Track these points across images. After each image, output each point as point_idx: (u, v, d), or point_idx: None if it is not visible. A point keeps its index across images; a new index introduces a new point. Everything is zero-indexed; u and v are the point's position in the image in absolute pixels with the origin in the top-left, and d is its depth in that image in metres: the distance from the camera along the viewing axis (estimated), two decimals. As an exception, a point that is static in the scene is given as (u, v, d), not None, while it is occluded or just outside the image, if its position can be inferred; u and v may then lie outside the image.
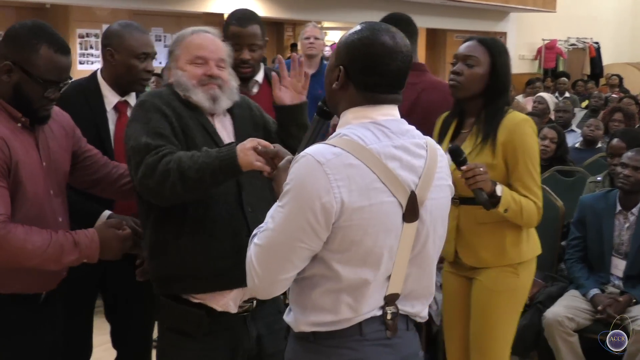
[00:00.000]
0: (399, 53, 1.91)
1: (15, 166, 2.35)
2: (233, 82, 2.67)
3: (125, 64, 3.01)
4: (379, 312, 1.93)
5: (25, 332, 2.49)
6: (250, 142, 2.27)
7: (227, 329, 2.54)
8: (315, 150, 1.85)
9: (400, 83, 1.97)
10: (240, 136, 2.56)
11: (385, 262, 1.89)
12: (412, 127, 2.01)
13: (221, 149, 2.35)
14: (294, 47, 14.92)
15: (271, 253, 1.87)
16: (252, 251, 1.90)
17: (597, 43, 17.27)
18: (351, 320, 1.90)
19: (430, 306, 3.71)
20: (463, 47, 3.02)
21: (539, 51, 17.12)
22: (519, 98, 11.10)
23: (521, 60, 16.95)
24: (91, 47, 11.66)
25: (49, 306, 2.59)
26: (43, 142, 2.52)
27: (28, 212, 2.40)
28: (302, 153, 1.88)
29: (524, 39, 16.91)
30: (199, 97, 2.53)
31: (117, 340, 3.31)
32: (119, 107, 3.10)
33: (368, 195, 1.83)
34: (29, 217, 2.39)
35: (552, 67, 16.63)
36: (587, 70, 17.01)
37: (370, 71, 1.92)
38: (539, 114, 7.36)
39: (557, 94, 11.74)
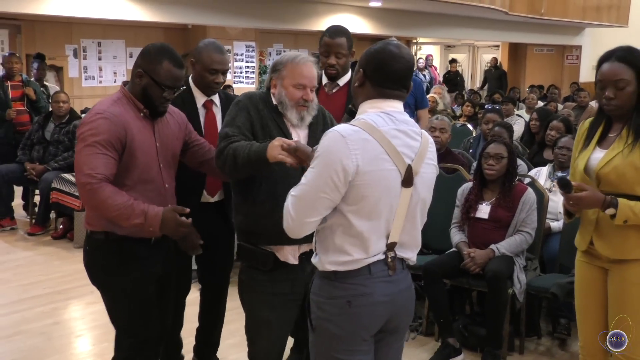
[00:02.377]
0: (402, 58, 2.35)
1: (131, 143, 2.85)
2: (316, 99, 3.03)
3: (200, 74, 3.46)
4: (382, 256, 2.31)
5: (139, 263, 2.94)
6: (277, 141, 2.69)
7: (287, 266, 2.95)
8: (340, 127, 2.27)
9: (403, 82, 2.36)
10: (312, 140, 2.93)
11: (386, 215, 2.28)
12: (412, 120, 2.41)
13: (260, 144, 2.78)
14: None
15: (302, 201, 2.26)
16: (288, 201, 2.29)
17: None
18: (362, 262, 2.28)
19: (514, 285, 4.07)
20: (608, 71, 2.80)
21: (610, 61, 17.09)
22: (592, 103, 11.46)
23: (594, 69, 16.94)
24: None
25: (159, 246, 3.01)
26: (159, 129, 3.02)
27: (140, 175, 2.90)
28: (329, 130, 2.32)
29: (597, 51, 16.59)
30: (293, 115, 2.94)
31: (203, 277, 3.82)
32: (206, 105, 3.58)
33: (377, 162, 2.23)
34: (141, 179, 2.90)
35: (623, 76, 16.79)
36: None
37: (380, 70, 2.34)
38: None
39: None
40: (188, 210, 2.87)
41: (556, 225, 4.58)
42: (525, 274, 4.13)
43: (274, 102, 2.98)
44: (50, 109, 7.16)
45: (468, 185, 4.41)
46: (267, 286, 2.96)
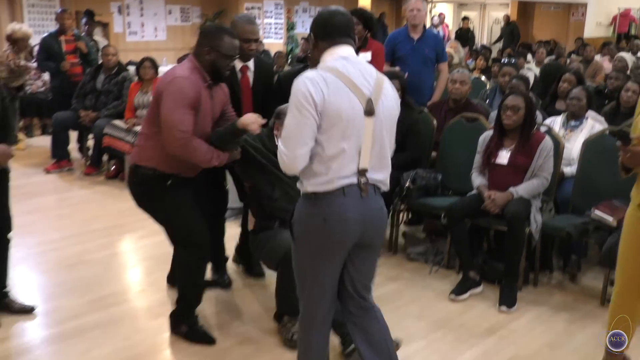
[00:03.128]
0: (338, 13, 2.57)
1: (199, 105, 3.18)
2: None
3: None
4: (355, 181, 2.43)
5: (179, 190, 3.30)
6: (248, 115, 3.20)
7: None
8: (304, 74, 2.43)
9: (347, 32, 2.54)
10: None
11: (355, 141, 2.40)
12: (365, 62, 2.60)
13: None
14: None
15: (289, 137, 2.40)
16: (280, 147, 2.45)
17: (666, 11, 16.72)
18: (336, 183, 2.41)
19: (531, 225, 3.99)
20: None
21: (614, 18, 16.44)
22: (597, 57, 11.23)
23: (598, 26, 16.48)
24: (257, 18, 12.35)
25: (192, 180, 3.39)
26: (213, 97, 3.34)
27: (198, 130, 3.19)
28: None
29: (602, 9, 16.27)
30: None
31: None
32: (242, 69, 3.90)
33: (340, 94, 2.37)
34: (197, 133, 3.17)
35: (625, 32, 16.21)
36: (656, 33, 16.53)
37: (325, 27, 2.54)
38: (622, 71, 7.42)
39: (630, 53, 11.56)
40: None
41: (569, 170, 4.51)
42: (541, 215, 4.09)
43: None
44: (100, 61, 7.12)
45: (489, 133, 4.34)
46: None
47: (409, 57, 5.76)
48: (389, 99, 2.52)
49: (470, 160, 4.49)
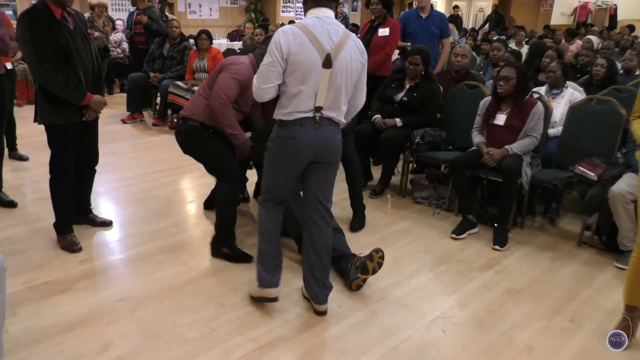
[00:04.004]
0: None
1: (246, 87, 3.00)
2: None
3: None
4: (311, 115, 2.37)
5: (220, 139, 3.11)
6: None
7: None
8: (283, 27, 2.37)
9: None
10: None
11: (313, 85, 2.32)
12: (339, 23, 2.41)
13: None
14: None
15: (261, 73, 2.37)
16: (254, 81, 2.40)
17: (615, 5, 15.72)
18: (295, 115, 2.36)
19: (522, 177, 3.48)
20: None
21: (575, 9, 15.57)
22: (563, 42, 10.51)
23: (561, 15, 15.68)
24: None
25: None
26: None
27: (238, 104, 3.07)
28: None
29: (565, 1, 15.48)
30: None
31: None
32: None
33: (303, 47, 2.30)
34: (241, 110, 3.07)
35: (583, 21, 15.36)
36: (607, 23, 15.52)
37: None
38: (590, 50, 6.87)
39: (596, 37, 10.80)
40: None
41: (552, 131, 4.01)
42: (530, 169, 3.65)
43: None
44: (166, 33, 6.64)
45: (488, 98, 3.86)
46: None
47: (417, 32, 5.24)
48: (349, 56, 2.38)
49: (470, 122, 4.04)
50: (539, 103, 3.68)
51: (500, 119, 3.72)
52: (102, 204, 3.92)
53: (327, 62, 2.31)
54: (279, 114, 2.42)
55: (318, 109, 2.37)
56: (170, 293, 2.76)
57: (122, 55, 8.18)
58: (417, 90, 4.21)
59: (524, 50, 7.42)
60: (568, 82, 4.33)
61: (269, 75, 2.34)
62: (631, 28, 13.07)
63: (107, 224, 3.52)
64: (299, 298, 2.76)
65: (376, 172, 4.87)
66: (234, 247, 3.17)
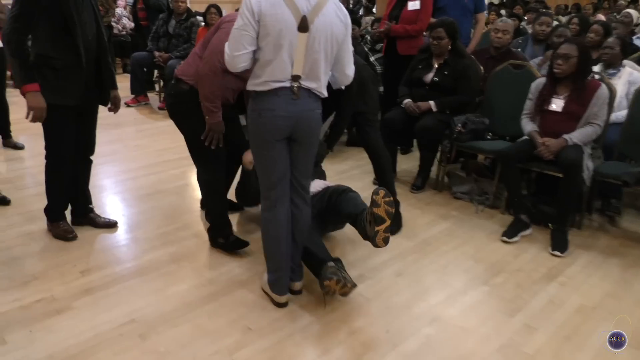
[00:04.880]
0: None
1: None
2: None
3: None
4: (288, 84, 2.15)
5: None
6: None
7: None
8: None
9: None
10: None
11: (288, 51, 2.12)
12: None
13: None
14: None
15: (231, 41, 2.16)
16: (225, 47, 2.20)
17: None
18: (271, 85, 2.15)
19: (583, 171, 3.01)
20: None
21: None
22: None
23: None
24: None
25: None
26: None
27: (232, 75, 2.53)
28: None
29: None
30: None
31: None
32: None
33: (275, 8, 2.09)
34: (231, 77, 2.54)
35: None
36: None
37: None
38: (627, 24, 6.37)
39: (615, 14, 10.24)
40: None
41: (614, 116, 3.57)
42: (591, 162, 3.21)
43: None
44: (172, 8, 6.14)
45: (541, 80, 3.39)
46: None
47: (448, 7, 4.73)
48: (328, 20, 2.16)
49: (516, 107, 3.59)
50: (603, 85, 3.21)
51: (557, 104, 3.26)
52: (105, 200, 3.50)
53: (303, 26, 2.11)
54: (252, 85, 2.22)
55: (295, 78, 2.17)
56: (187, 314, 2.35)
57: (123, 32, 7.69)
58: (448, 68, 3.74)
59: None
60: (625, 61, 3.86)
61: (241, 41, 2.13)
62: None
63: (111, 225, 3.12)
64: (336, 326, 2.36)
65: (403, 161, 4.46)
66: (229, 235, 2.90)
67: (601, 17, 9.09)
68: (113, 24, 7.45)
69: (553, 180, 3.28)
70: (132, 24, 7.74)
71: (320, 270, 2.42)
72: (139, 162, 4.25)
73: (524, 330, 2.34)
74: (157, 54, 5.86)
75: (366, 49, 5.03)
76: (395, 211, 3.28)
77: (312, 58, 2.16)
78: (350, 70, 2.36)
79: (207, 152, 2.71)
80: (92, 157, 3.05)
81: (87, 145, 2.98)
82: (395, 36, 4.38)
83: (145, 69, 6.19)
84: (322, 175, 3.23)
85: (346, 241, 3.06)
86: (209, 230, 2.95)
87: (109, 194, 3.61)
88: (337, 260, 2.49)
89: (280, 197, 2.33)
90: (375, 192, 2.35)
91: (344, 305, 2.46)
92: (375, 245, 2.33)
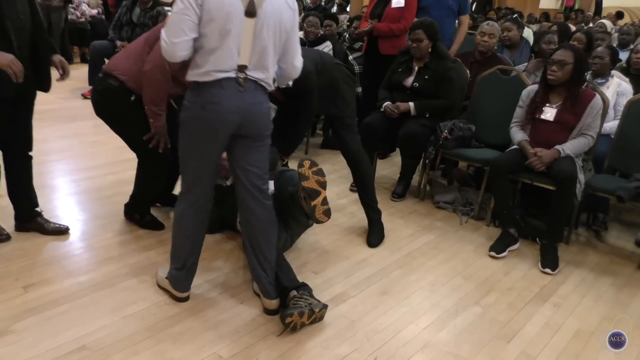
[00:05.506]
0: None
1: None
2: None
3: None
4: (234, 75, 1.98)
5: (137, 110, 2.55)
6: None
7: None
8: None
9: None
10: None
11: (234, 38, 1.94)
12: None
13: None
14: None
15: (170, 26, 1.94)
16: (162, 34, 1.96)
17: (602, -9, 15.52)
18: (214, 75, 1.96)
19: (577, 187, 2.86)
20: None
21: (563, -6, 15.38)
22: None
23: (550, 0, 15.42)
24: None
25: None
26: None
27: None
28: None
29: None
30: None
31: None
32: None
33: None
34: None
35: (571, 6, 15.15)
36: (592, 9, 15.39)
37: None
38: (607, 34, 6.33)
39: (583, 24, 10.43)
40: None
41: (604, 127, 3.46)
42: (582, 174, 3.08)
43: None
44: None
45: (533, 87, 3.24)
46: None
47: (431, 7, 4.57)
48: (276, 5, 2.01)
49: (503, 114, 3.45)
50: (597, 96, 3.08)
51: (550, 113, 3.11)
52: (57, 203, 3.15)
53: (251, 10, 1.95)
54: (193, 75, 2.01)
55: (242, 68, 1.99)
56: (148, 338, 2.06)
57: (82, 19, 7.23)
58: (429, 72, 3.56)
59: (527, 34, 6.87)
60: (613, 71, 3.77)
61: (181, 26, 1.92)
62: (619, 15, 12.78)
63: (62, 231, 2.78)
64: (318, 353, 2.11)
65: (382, 167, 4.27)
66: (146, 214, 2.91)
67: (572, 27, 9.20)
68: (71, 9, 6.99)
69: (539, 191, 3.14)
70: (93, 11, 7.30)
71: (283, 301, 2.24)
72: (96, 160, 3.89)
73: (523, 358, 2.16)
74: (119, 43, 5.45)
75: (344, 48, 4.81)
76: (377, 222, 3.10)
77: (260, 46, 2.00)
78: (298, 62, 2.19)
79: (146, 147, 2.60)
80: (31, 154, 2.70)
81: (24, 139, 2.63)
82: (378, 35, 4.17)
83: (105, 59, 5.78)
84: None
85: (326, 254, 2.83)
86: (127, 205, 2.94)
87: (61, 196, 3.26)
88: (302, 287, 2.27)
89: (200, 196, 2.17)
90: (300, 164, 2.25)
91: (326, 329, 2.22)
92: (317, 221, 2.26)
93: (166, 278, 2.32)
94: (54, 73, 2.53)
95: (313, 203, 2.26)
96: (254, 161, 2.15)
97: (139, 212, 2.92)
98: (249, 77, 2.00)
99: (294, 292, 2.22)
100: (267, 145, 2.18)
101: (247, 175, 2.15)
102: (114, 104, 2.57)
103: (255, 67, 2.01)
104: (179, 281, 2.28)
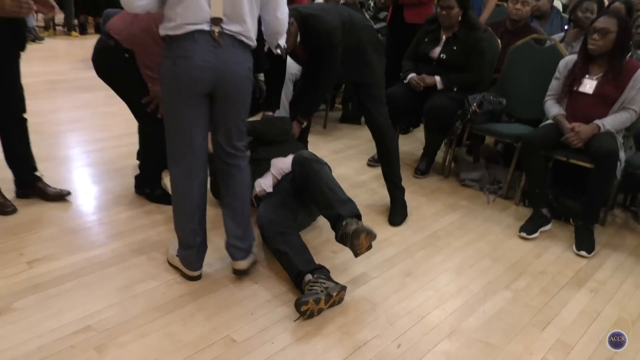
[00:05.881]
0: None
1: None
2: None
3: None
4: (208, 28, 1.81)
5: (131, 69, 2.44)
6: None
7: None
8: None
9: None
10: None
11: None
12: None
13: None
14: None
15: None
16: None
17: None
18: (185, 28, 1.81)
19: (619, 165, 2.64)
20: None
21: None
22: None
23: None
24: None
25: None
26: None
27: None
28: None
29: None
30: None
31: None
32: None
33: None
34: None
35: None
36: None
37: None
38: None
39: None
40: None
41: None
42: (623, 152, 2.86)
43: None
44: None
45: (572, 58, 3.01)
46: None
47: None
48: None
49: (537, 87, 3.24)
50: (642, 66, 2.84)
51: (589, 86, 2.88)
52: (66, 175, 3.04)
53: None
54: (165, 29, 1.87)
55: (216, 21, 1.83)
56: (156, 319, 1.93)
57: (97, -11, 7.05)
58: (458, 42, 3.34)
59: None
60: (655, 42, 3.50)
61: None
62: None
63: (63, 196, 2.70)
64: (338, 338, 1.97)
65: (404, 142, 4.09)
66: (157, 188, 2.80)
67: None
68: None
69: (573, 169, 2.94)
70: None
71: (299, 285, 2.10)
72: (108, 131, 3.77)
73: (559, 347, 1.99)
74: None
75: (368, 17, 4.58)
76: (400, 200, 2.93)
77: None
78: (281, 13, 2.03)
79: (144, 110, 2.51)
80: (26, 116, 2.58)
81: (15, 101, 2.50)
82: (404, 3, 3.94)
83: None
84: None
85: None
86: (137, 177, 2.84)
87: (71, 168, 3.15)
88: (318, 269, 2.12)
89: (194, 166, 2.01)
90: (355, 236, 2.05)
91: (346, 312, 2.07)
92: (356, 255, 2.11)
93: (176, 256, 2.20)
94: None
95: (358, 252, 2.11)
96: (233, 121, 2.01)
97: (148, 185, 2.80)
98: (226, 32, 1.84)
99: (308, 276, 2.07)
100: (246, 109, 2.04)
101: (224, 133, 2.02)
102: (110, 63, 2.49)
103: (230, 20, 1.85)
104: (189, 259, 2.15)
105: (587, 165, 2.80)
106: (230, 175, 2.09)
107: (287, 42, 2.32)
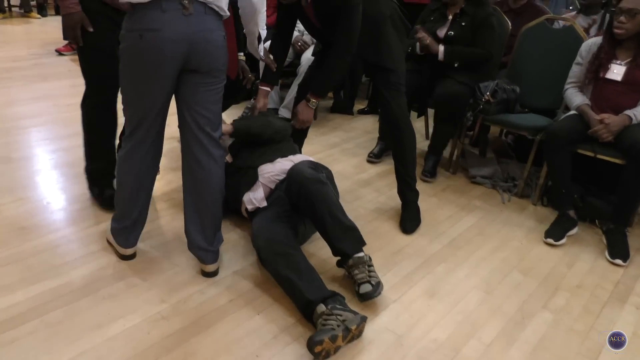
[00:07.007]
0: None
1: None
2: None
3: None
4: None
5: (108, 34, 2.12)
6: None
7: None
8: None
9: None
10: None
11: None
12: None
13: None
14: None
15: None
16: None
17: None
18: None
19: None
20: None
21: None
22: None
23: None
24: None
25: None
26: None
27: None
28: None
29: None
30: None
31: None
32: None
33: None
34: None
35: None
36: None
37: None
38: None
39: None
40: None
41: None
42: (655, 146, 2.59)
43: None
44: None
45: (595, 41, 2.71)
46: None
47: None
48: None
49: (552, 73, 2.95)
50: (677, 51, 2.56)
51: (617, 72, 2.59)
52: (24, 182, 2.61)
53: None
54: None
55: None
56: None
57: (56, -34, 6.47)
58: (466, 18, 2.99)
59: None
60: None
61: None
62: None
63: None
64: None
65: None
66: (107, 188, 2.42)
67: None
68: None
69: (599, 165, 2.66)
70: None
71: (309, 317, 1.78)
72: (73, 127, 3.31)
73: (619, 385, 1.71)
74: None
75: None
76: (413, 204, 2.60)
77: None
78: None
79: (96, 74, 2.25)
80: None
81: None
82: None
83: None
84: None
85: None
86: (87, 171, 2.48)
87: (30, 173, 2.71)
88: (331, 297, 1.78)
89: (143, 139, 1.87)
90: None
91: (368, 348, 1.74)
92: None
93: (111, 230, 2.05)
94: None
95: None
96: (205, 102, 1.85)
97: (97, 182, 2.43)
98: None
99: (321, 307, 1.73)
100: (221, 82, 1.87)
101: (195, 117, 1.85)
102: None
103: None
104: (123, 234, 2.01)
105: (617, 161, 2.52)
106: (193, 168, 1.88)
107: None
